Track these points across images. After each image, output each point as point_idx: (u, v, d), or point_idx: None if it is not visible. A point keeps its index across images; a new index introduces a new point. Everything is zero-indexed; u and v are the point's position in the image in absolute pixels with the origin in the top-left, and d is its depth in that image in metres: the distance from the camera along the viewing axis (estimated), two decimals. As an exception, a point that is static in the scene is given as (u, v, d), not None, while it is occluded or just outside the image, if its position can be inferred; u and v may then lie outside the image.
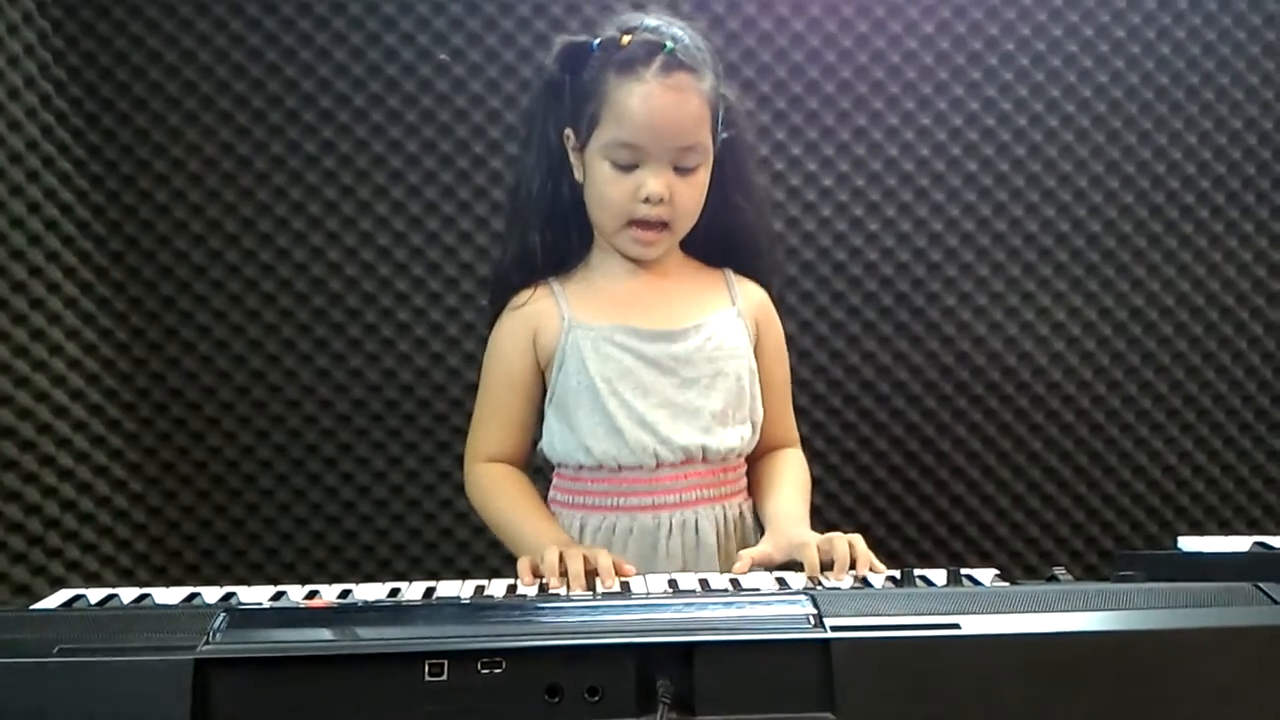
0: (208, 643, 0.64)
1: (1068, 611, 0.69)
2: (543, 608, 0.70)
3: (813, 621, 0.66)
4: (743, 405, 1.18)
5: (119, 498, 1.60)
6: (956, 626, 0.66)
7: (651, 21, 1.14)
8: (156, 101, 1.57)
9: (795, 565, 1.03)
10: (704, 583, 0.89)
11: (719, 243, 1.23)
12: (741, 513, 1.20)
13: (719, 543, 1.16)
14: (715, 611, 0.69)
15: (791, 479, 1.21)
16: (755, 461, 1.24)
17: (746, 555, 1.05)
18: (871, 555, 1.00)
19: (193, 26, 1.57)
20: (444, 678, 0.63)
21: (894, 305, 1.70)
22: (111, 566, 1.59)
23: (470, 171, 1.63)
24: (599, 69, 1.12)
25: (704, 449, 1.15)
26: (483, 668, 0.63)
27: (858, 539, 1.01)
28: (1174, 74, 1.70)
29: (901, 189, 1.69)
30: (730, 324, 1.20)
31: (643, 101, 1.09)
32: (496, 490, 1.18)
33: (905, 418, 1.72)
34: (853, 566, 0.98)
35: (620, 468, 1.15)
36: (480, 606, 0.71)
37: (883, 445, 1.73)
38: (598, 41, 1.13)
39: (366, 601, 0.77)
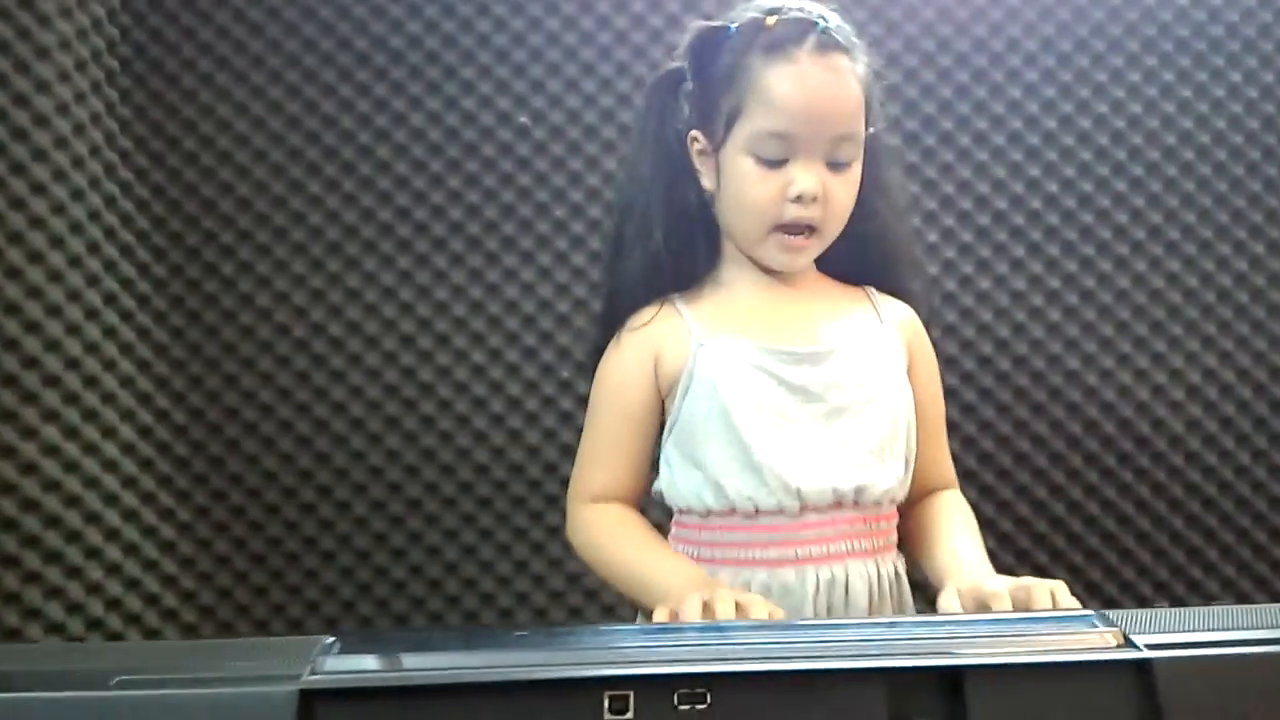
0: (314, 672, 0.48)
1: None
2: (752, 626, 0.53)
3: (1118, 640, 0.49)
4: (898, 439, 1.01)
5: (167, 561, 1.44)
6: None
7: (794, 1, 1.01)
8: (224, 138, 1.48)
9: None
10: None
11: (857, 255, 1.07)
12: (896, 570, 1.01)
13: (871, 606, 0.96)
14: (983, 630, 0.52)
15: (963, 523, 1.02)
16: (909, 507, 1.05)
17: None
18: (1078, 605, 0.82)
19: (264, 62, 1.48)
20: (629, 715, 0.47)
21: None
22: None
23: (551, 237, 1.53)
24: (740, 54, 0.99)
25: (858, 490, 0.97)
26: (681, 701, 0.47)
27: (1060, 587, 0.83)
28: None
29: (1013, 244, 1.57)
30: (882, 344, 1.04)
31: (797, 83, 0.96)
32: (615, 530, 1.01)
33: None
34: None
35: (757, 511, 0.97)
36: (664, 629, 0.55)
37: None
38: (735, 25, 1.00)
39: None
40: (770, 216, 0.99)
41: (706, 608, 0.81)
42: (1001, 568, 0.99)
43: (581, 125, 1.53)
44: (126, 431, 1.41)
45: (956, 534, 1.00)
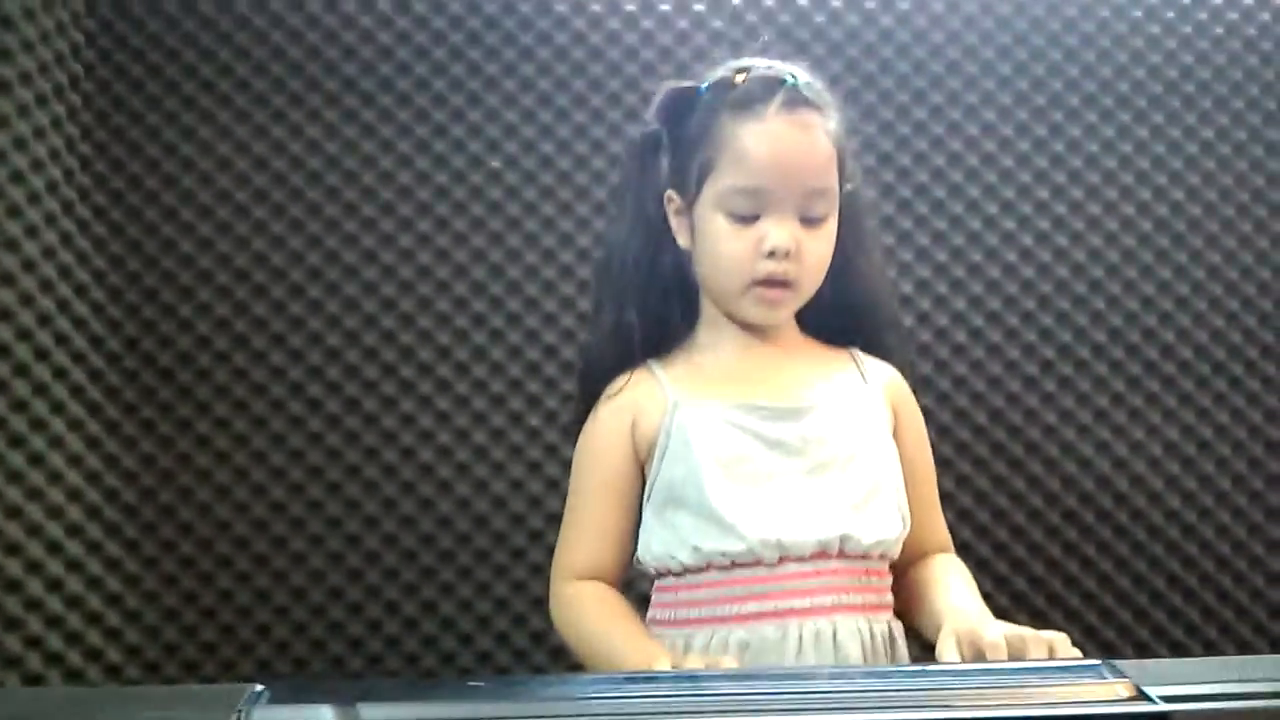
0: (243, 722, 0.43)
1: None
2: (730, 676, 0.49)
3: (1130, 692, 0.45)
4: (886, 494, 0.98)
5: (112, 614, 1.36)
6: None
7: (763, 60, 1.03)
8: (187, 178, 1.44)
9: None
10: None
11: (839, 316, 1.07)
12: (892, 634, 0.97)
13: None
14: (985, 681, 0.48)
15: (960, 579, 1.00)
16: (903, 572, 1.02)
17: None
18: (1079, 655, 0.78)
19: (231, 101, 1.45)
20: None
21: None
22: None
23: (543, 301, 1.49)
24: (710, 113, 1.00)
25: (843, 539, 0.94)
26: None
27: (1060, 640, 0.79)
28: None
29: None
30: (864, 402, 1.02)
31: (765, 140, 0.97)
32: (594, 612, 0.97)
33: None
34: None
35: (733, 565, 0.94)
36: (633, 678, 0.50)
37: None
38: (706, 85, 1.02)
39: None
40: (745, 273, 0.99)
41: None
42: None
43: (565, 179, 1.50)
44: (74, 477, 1.35)
45: (953, 587, 0.97)
